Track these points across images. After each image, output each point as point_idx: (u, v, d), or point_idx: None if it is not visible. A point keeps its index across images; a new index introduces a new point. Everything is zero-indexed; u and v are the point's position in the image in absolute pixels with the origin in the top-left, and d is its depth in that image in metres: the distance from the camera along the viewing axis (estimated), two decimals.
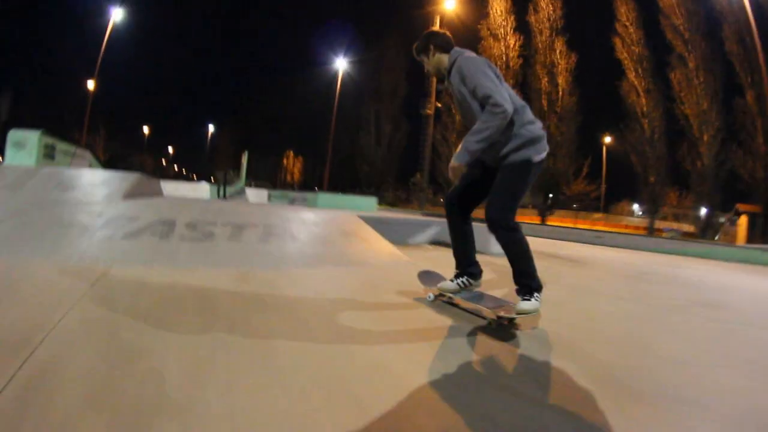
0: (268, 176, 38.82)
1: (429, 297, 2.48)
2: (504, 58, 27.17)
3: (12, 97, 30.00)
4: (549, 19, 26.08)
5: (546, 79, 26.16)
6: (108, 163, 38.66)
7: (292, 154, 47.39)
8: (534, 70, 26.48)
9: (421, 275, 3.19)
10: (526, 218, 26.53)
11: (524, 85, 26.75)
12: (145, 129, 50.15)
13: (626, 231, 24.83)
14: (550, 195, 25.87)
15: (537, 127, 2.11)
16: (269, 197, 14.52)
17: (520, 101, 2.12)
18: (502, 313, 2.06)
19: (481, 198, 2.30)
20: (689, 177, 23.98)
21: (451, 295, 2.38)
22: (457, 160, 2.03)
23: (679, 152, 23.94)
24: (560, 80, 25.92)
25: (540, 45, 26.36)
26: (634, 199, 32.29)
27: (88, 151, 10.26)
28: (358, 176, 35.00)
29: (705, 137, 23.06)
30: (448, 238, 2.55)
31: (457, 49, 2.21)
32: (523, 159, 2.06)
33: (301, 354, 1.55)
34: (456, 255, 2.41)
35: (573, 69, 26.00)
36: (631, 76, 25.48)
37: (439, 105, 27.84)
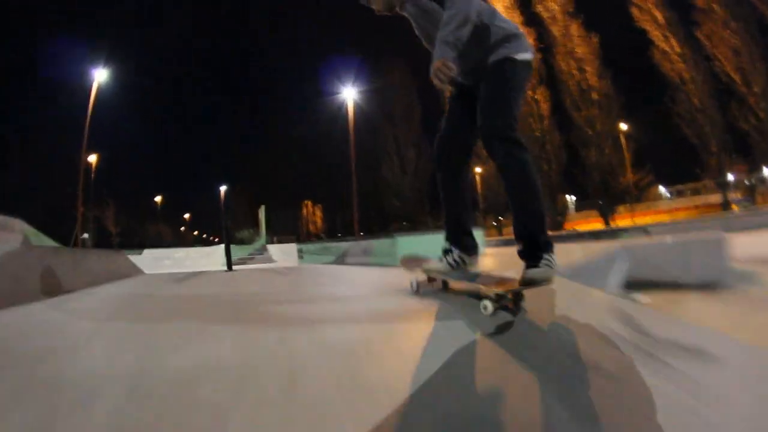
0: (289, 230, 36.70)
1: (412, 285, 2.09)
2: None
3: None
4: (558, 4, 24.11)
5: (572, 67, 23.76)
6: (120, 235, 38.61)
7: (310, 203, 45.37)
8: (556, 61, 24.20)
9: None
10: (587, 223, 23.33)
11: (551, 80, 24.42)
12: (157, 198, 49.70)
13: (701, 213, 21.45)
14: (606, 193, 22.63)
15: (511, 26, 1.85)
16: (300, 254, 10.53)
17: (487, 5, 1.83)
18: (500, 290, 1.50)
19: (474, 144, 1.97)
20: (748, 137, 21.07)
21: (440, 277, 1.99)
22: (439, 55, 1.63)
23: (729, 113, 21.28)
24: (587, 66, 23.52)
25: (557, 33, 24.20)
26: (672, 181, 28.47)
27: (18, 220, 7.36)
28: (386, 212, 32.13)
29: (755, 88, 20.38)
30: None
31: None
32: (503, 57, 1.75)
33: None
34: (447, 222, 2.00)
35: (597, 51, 23.68)
36: (660, 43, 23.18)
37: None
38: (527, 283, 1.54)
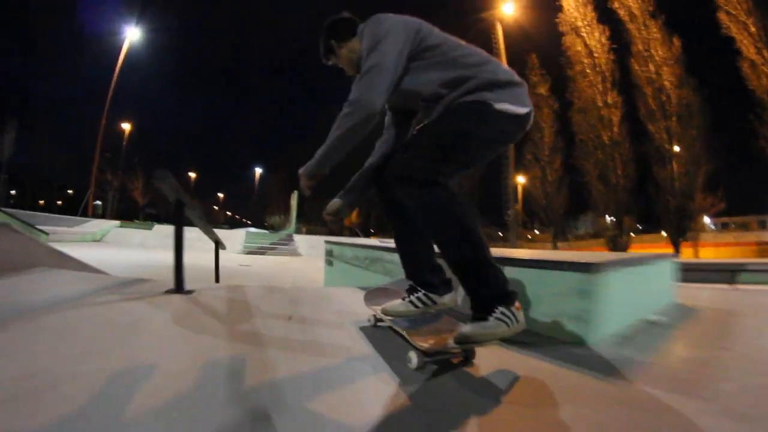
0: (322, 221, 34.80)
1: (369, 320, 1.80)
2: (592, 56, 22.59)
3: (17, 130, 28.81)
4: (637, 0, 21.49)
5: (650, 73, 21.11)
6: (147, 207, 38.55)
7: None
8: (630, 64, 21.60)
9: None
10: (653, 248, 20.77)
11: (624, 85, 21.85)
12: (192, 174, 50.75)
13: None
14: (680, 215, 19.93)
15: (508, 73, 1.48)
16: (329, 260, 5.78)
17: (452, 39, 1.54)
18: (426, 344, 1.32)
19: None
20: None
21: (389, 319, 1.61)
22: (306, 169, 1.53)
23: None
24: (665, 72, 20.84)
25: (635, 32, 21.58)
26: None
27: None
28: None
29: None
30: None
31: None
32: (477, 100, 1.39)
33: None
34: (403, 259, 1.68)
35: (679, 57, 20.98)
36: (750, 54, 20.40)
37: None
38: (460, 341, 1.25)
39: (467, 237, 1.31)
